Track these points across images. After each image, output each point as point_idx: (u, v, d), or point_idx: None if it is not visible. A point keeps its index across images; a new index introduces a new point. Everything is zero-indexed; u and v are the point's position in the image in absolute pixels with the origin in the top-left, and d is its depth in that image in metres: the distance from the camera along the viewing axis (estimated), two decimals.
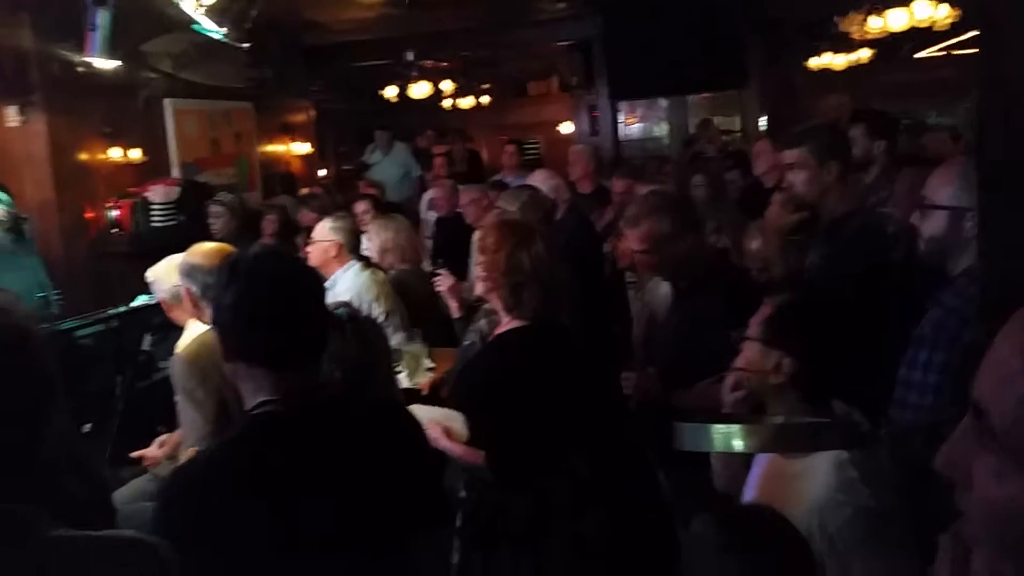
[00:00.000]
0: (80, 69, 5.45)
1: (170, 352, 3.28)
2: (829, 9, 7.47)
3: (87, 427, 3.47)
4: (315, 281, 1.71)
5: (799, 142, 2.94)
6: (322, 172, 9.29)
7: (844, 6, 7.09)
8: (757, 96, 8.53)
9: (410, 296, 4.36)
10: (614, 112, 9.23)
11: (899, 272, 2.72)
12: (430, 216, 6.78)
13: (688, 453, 1.80)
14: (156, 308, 3.42)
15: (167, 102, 6.55)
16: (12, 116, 5.43)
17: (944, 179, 2.25)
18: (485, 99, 11.75)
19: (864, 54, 8.41)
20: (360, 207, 5.62)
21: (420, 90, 9.61)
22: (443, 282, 3.59)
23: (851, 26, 7.03)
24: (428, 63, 9.72)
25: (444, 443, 2.46)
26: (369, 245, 4.72)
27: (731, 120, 10.21)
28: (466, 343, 3.19)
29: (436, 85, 10.02)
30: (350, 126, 10.49)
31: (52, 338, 3.46)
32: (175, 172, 6.59)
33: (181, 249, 3.05)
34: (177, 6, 4.45)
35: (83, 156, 5.82)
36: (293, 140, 8.44)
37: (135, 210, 5.94)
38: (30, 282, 4.67)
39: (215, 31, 4.63)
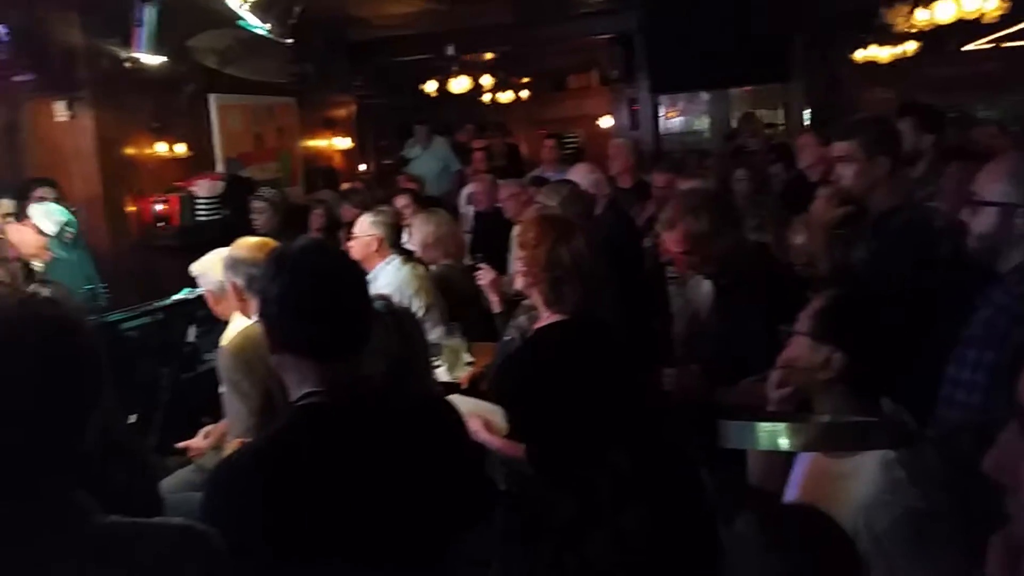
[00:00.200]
0: (127, 65, 5.55)
1: (215, 344, 3.33)
2: (875, 1, 7.34)
3: (133, 418, 3.54)
4: (359, 274, 1.72)
5: (849, 135, 2.90)
6: (362, 167, 9.35)
7: None
8: (801, 89, 8.42)
9: (452, 291, 4.37)
10: (655, 106, 9.16)
11: (947, 268, 2.67)
12: (469, 210, 6.80)
13: (731, 451, 1.78)
14: (201, 301, 3.48)
15: (212, 97, 6.64)
16: (61, 111, 5.55)
17: (994, 175, 2.20)
18: (524, 93, 11.73)
19: (910, 46, 8.25)
20: (401, 201, 5.65)
21: (460, 85, 9.63)
22: (484, 276, 3.60)
23: (897, 18, 6.89)
24: (468, 57, 9.73)
25: (484, 435, 2.47)
26: (411, 239, 4.74)
27: (774, 113, 10.08)
28: (506, 338, 3.20)
29: (476, 80, 10.03)
30: (390, 121, 10.55)
31: (99, 330, 3.53)
32: (220, 167, 6.68)
33: (225, 243, 3.09)
34: (222, 2, 4.50)
35: (130, 151, 5.93)
36: (334, 135, 8.50)
37: (181, 204, 6.04)
38: (78, 275, 4.77)
39: (260, 27, 4.67)
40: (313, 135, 8.19)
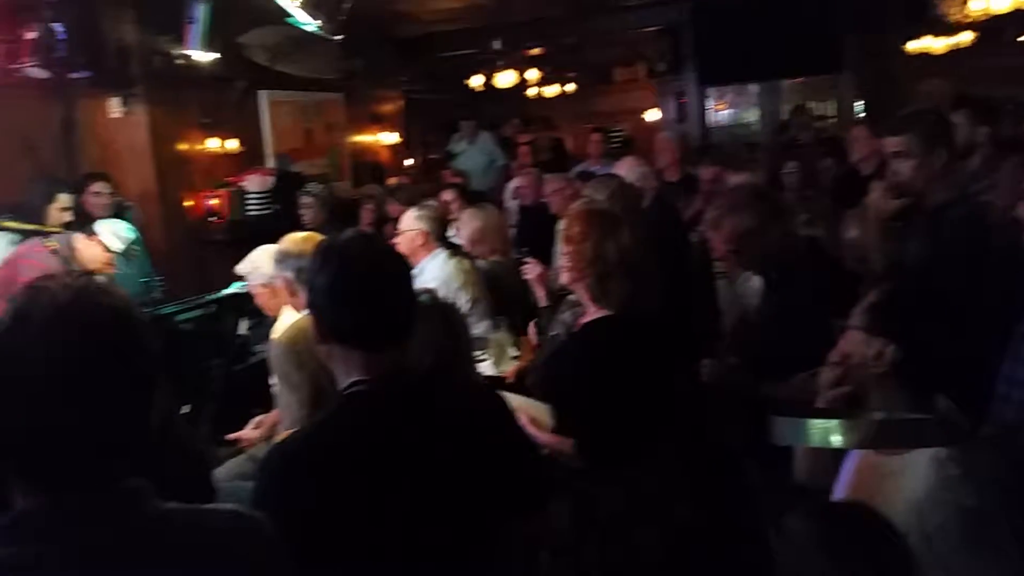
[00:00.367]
0: (180, 62, 5.65)
1: (265, 337, 3.39)
2: None
3: (186, 408, 3.62)
4: (404, 265, 1.75)
5: (903, 129, 2.84)
6: (409, 161, 9.41)
7: None
8: (852, 81, 8.27)
9: (501, 286, 4.38)
10: (702, 98, 9.07)
11: (1002, 263, 2.61)
12: (514, 205, 6.81)
13: (780, 447, 1.77)
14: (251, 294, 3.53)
15: (262, 93, 6.75)
16: (115, 107, 5.68)
17: None
18: (570, 87, 11.70)
19: (965, 37, 8.05)
20: (447, 195, 5.68)
21: (506, 79, 9.64)
22: (531, 270, 3.60)
23: (951, 8, 6.74)
24: (514, 51, 9.74)
25: (531, 431, 2.47)
26: (459, 234, 4.77)
27: (825, 106, 9.91)
28: (551, 333, 3.20)
29: (522, 74, 10.03)
30: (436, 116, 10.60)
31: (154, 322, 3.61)
32: (270, 162, 6.79)
33: (275, 237, 3.14)
34: None
35: (183, 146, 6.05)
36: (382, 130, 8.58)
37: (232, 199, 6.16)
38: (133, 268, 4.88)
39: (310, 24, 4.73)
40: (361, 130, 8.27)
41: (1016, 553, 1.51)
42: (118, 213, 5.13)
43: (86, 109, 5.60)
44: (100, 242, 4.10)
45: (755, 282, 3.16)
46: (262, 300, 3.30)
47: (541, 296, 3.57)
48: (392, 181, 7.56)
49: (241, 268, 3.37)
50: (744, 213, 2.80)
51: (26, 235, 4.39)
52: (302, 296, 2.82)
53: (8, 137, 5.12)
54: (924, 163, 2.79)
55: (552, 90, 11.41)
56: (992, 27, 7.35)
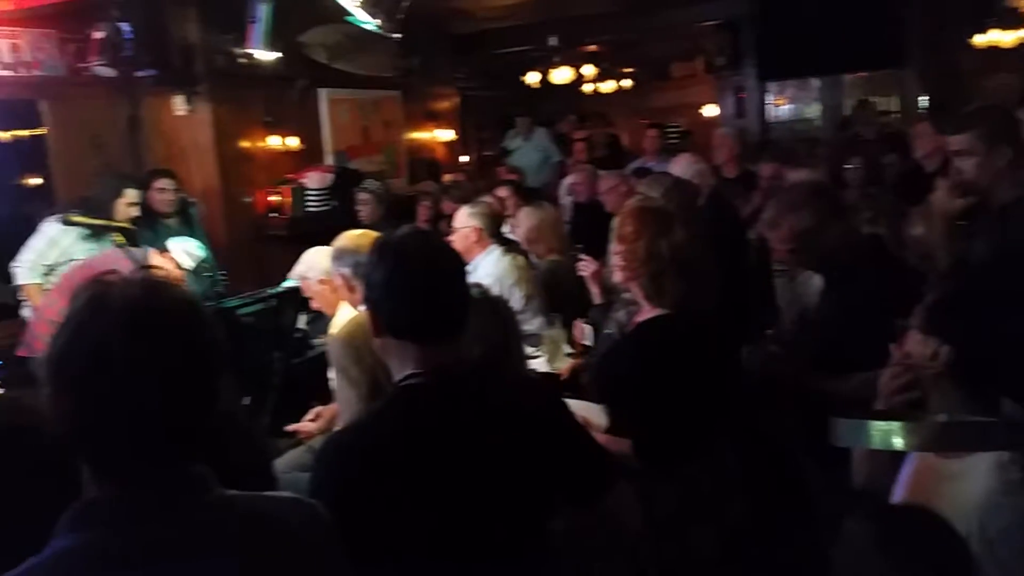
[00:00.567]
0: (242, 60, 5.77)
1: (323, 331, 3.45)
2: None
3: (247, 400, 3.70)
4: (457, 260, 1.79)
5: (966, 126, 2.77)
6: (464, 158, 9.46)
7: None
8: (916, 75, 8.06)
9: (560, 285, 4.39)
10: (762, 93, 8.94)
11: None
12: (568, 201, 6.80)
13: (839, 448, 1.75)
14: None
15: (322, 92, 6.85)
16: (180, 106, 5.82)
17: None
18: (627, 83, 11.62)
19: None
20: (503, 192, 5.70)
21: (562, 75, 9.61)
22: (586, 268, 3.60)
23: (1021, 0, 6.52)
24: (571, 48, 9.71)
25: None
26: (516, 231, 4.79)
27: (888, 100, 9.68)
28: (606, 332, 3.19)
29: (578, 70, 9.99)
30: (492, 112, 10.63)
31: (217, 315, 3.70)
32: (328, 159, 6.88)
33: (333, 233, 3.19)
34: None
35: (245, 144, 6.18)
36: (438, 127, 8.63)
37: (292, 195, 6.26)
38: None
39: (369, 23, 4.79)
40: (417, 127, 8.33)
41: None
42: (182, 209, 5.26)
43: (152, 107, 5.75)
44: (173, 259, 4.21)
45: (817, 281, 3.11)
46: (320, 298, 3.35)
47: (596, 294, 3.56)
48: (447, 178, 7.61)
49: (297, 269, 3.44)
50: (803, 211, 2.75)
51: (94, 229, 4.52)
52: (359, 292, 2.87)
53: (77, 134, 5.29)
54: (987, 161, 2.72)
55: (608, 86, 11.35)
56: None
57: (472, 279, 3.81)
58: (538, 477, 1.65)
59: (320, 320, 3.91)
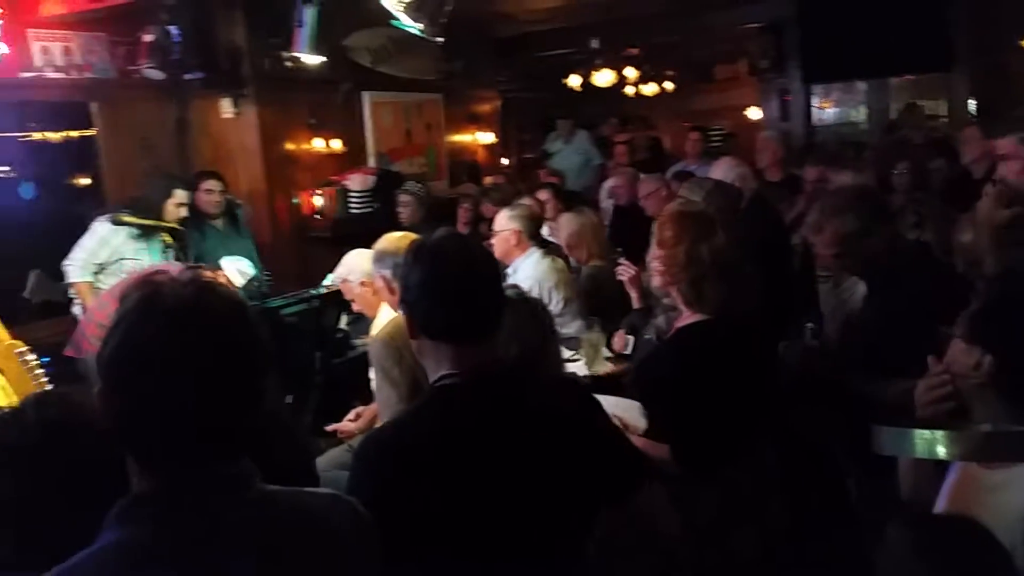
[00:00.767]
0: (288, 64, 5.84)
1: (364, 332, 3.48)
2: None
3: (289, 399, 3.75)
4: (492, 261, 1.82)
5: (1012, 130, 2.72)
6: (504, 161, 9.47)
7: None
8: (966, 78, 7.90)
9: (603, 290, 4.39)
10: (807, 96, 8.83)
11: None
12: (609, 204, 6.79)
13: (881, 456, 1.73)
14: None
15: (365, 95, 6.91)
16: (227, 108, 5.92)
17: None
18: (669, 85, 11.56)
19: None
20: (543, 195, 5.71)
21: (604, 78, 9.59)
22: (625, 272, 3.59)
23: None
24: (613, 50, 9.68)
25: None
26: (557, 235, 4.80)
27: (936, 104, 9.50)
28: (645, 336, 3.18)
29: (620, 72, 9.96)
30: (533, 115, 10.64)
31: (262, 314, 3.76)
32: (371, 161, 6.95)
33: (375, 235, 3.23)
34: (377, 2, 4.68)
35: (290, 146, 6.26)
36: (479, 129, 8.66)
37: (336, 197, 6.34)
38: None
39: (413, 27, 4.82)
40: (458, 130, 8.37)
41: None
42: (228, 210, 5.35)
43: (199, 109, 5.85)
44: (225, 276, 4.29)
45: (861, 288, 3.07)
46: (361, 300, 3.38)
47: (635, 298, 3.56)
48: (488, 180, 7.64)
49: (338, 272, 3.47)
50: (847, 215, 2.72)
51: (143, 229, 4.62)
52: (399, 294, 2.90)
53: (126, 135, 5.41)
54: None
55: (651, 88, 11.30)
56: None
57: (512, 281, 3.85)
58: (571, 477, 1.66)
59: (361, 321, 3.95)
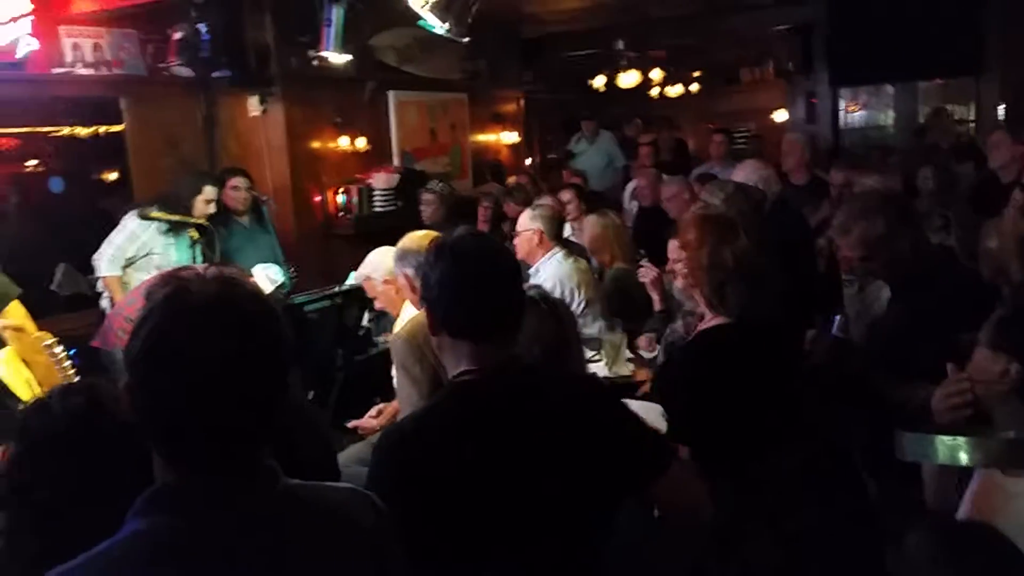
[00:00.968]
0: (315, 63, 5.88)
1: (386, 329, 3.50)
2: None
3: (310, 394, 3.78)
4: (512, 261, 1.84)
5: None
6: (528, 161, 9.48)
7: None
8: (995, 83, 7.81)
9: (628, 292, 4.39)
10: (835, 99, 8.76)
11: None
12: (633, 206, 6.78)
13: (902, 462, 1.72)
14: None
15: (391, 94, 6.94)
16: (254, 106, 5.96)
17: None
18: (694, 87, 11.52)
19: None
20: (566, 196, 5.71)
21: (629, 79, 9.57)
22: (646, 274, 3.59)
23: None
24: (638, 52, 9.66)
25: None
26: (580, 236, 4.81)
27: (965, 109, 9.41)
28: (668, 340, 3.18)
29: (645, 74, 9.93)
30: (557, 115, 10.64)
31: (286, 311, 3.79)
32: (395, 160, 6.98)
33: (399, 233, 3.25)
34: (403, 2, 4.70)
35: (316, 144, 6.30)
36: (503, 129, 8.67)
37: (359, 195, 6.37)
38: (267, 258, 5.12)
39: (439, 27, 4.84)
40: (482, 129, 8.39)
41: None
42: (254, 207, 5.40)
43: (227, 107, 5.89)
44: (254, 282, 4.32)
45: (886, 293, 3.05)
46: (384, 298, 3.40)
47: (656, 300, 3.55)
48: (511, 180, 7.65)
49: (362, 270, 3.49)
50: (875, 218, 2.69)
51: (172, 225, 4.67)
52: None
53: (154, 131, 5.46)
54: None
55: (676, 90, 11.26)
56: None
57: (535, 281, 3.86)
58: (589, 473, 1.67)
59: (384, 319, 3.98)
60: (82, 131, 5.34)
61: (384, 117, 6.96)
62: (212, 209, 4.87)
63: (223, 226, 5.12)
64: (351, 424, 3.47)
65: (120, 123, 5.33)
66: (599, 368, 3.72)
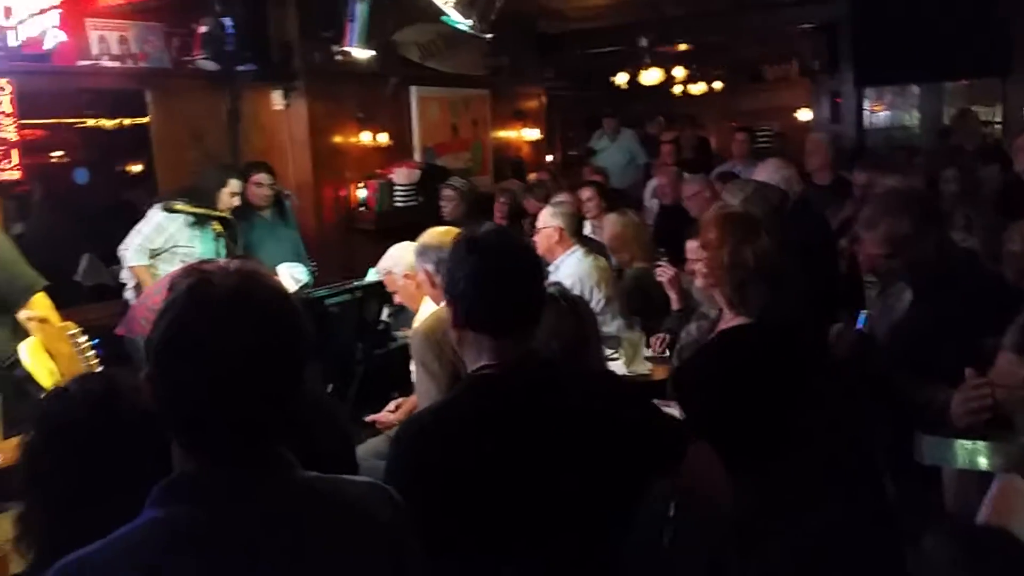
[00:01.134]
0: (338, 58, 5.91)
1: (405, 324, 3.51)
2: None
3: (329, 388, 3.80)
4: (534, 257, 1.86)
5: None
6: (549, 157, 9.46)
7: None
8: (1022, 84, 7.71)
9: (648, 291, 4.38)
10: (859, 99, 8.68)
11: None
12: (654, 204, 6.76)
13: (923, 466, 1.71)
14: None
15: (413, 89, 6.96)
16: (278, 101, 6.00)
17: None
18: (717, 84, 11.45)
19: None
20: (586, 193, 5.70)
21: (651, 76, 9.52)
22: (664, 273, 3.58)
23: None
24: (661, 49, 9.61)
25: None
26: (601, 234, 4.80)
27: (991, 110, 9.29)
28: (685, 340, 3.17)
29: (668, 71, 9.88)
30: (579, 112, 10.61)
31: (306, 304, 3.81)
32: (417, 156, 7.00)
33: (419, 228, 3.25)
34: None
35: (338, 139, 6.34)
36: (524, 126, 8.67)
37: (381, 190, 6.40)
38: (289, 252, 5.16)
39: (462, 23, 4.85)
40: (504, 126, 8.39)
41: None
42: (277, 201, 5.43)
43: (250, 101, 5.93)
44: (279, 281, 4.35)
45: (908, 294, 3.02)
46: (404, 293, 3.42)
47: (674, 299, 3.54)
48: (532, 177, 7.65)
49: (382, 264, 3.51)
50: (902, 216, 2.67)
51: (196, 217, 4.71)
52: (442, 288, 2.93)
53: (178, 124, 5.50)
54: None
55: (699, 87, 11.20)
56: None
57: (554, 279, 3.86)
58: (606, 468, 1.68)
59: (403, 313, 3.99)
60: (107, 123, 5.39)
61: (406, 112, 6.98)
62: (237, 202, 4.91)
63: (245, 219, 5.15)
64: (369, 418, 3.48)
65: (145, 115, 5.38)
66: (617, 366, 3.72)
